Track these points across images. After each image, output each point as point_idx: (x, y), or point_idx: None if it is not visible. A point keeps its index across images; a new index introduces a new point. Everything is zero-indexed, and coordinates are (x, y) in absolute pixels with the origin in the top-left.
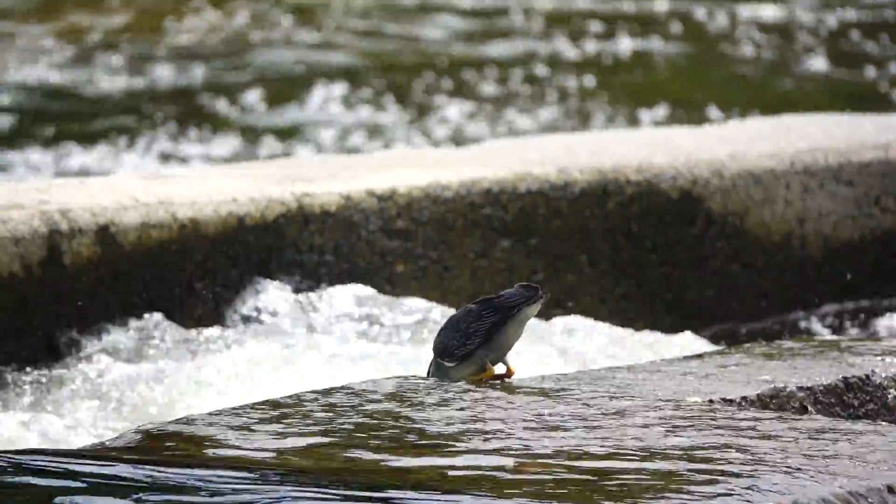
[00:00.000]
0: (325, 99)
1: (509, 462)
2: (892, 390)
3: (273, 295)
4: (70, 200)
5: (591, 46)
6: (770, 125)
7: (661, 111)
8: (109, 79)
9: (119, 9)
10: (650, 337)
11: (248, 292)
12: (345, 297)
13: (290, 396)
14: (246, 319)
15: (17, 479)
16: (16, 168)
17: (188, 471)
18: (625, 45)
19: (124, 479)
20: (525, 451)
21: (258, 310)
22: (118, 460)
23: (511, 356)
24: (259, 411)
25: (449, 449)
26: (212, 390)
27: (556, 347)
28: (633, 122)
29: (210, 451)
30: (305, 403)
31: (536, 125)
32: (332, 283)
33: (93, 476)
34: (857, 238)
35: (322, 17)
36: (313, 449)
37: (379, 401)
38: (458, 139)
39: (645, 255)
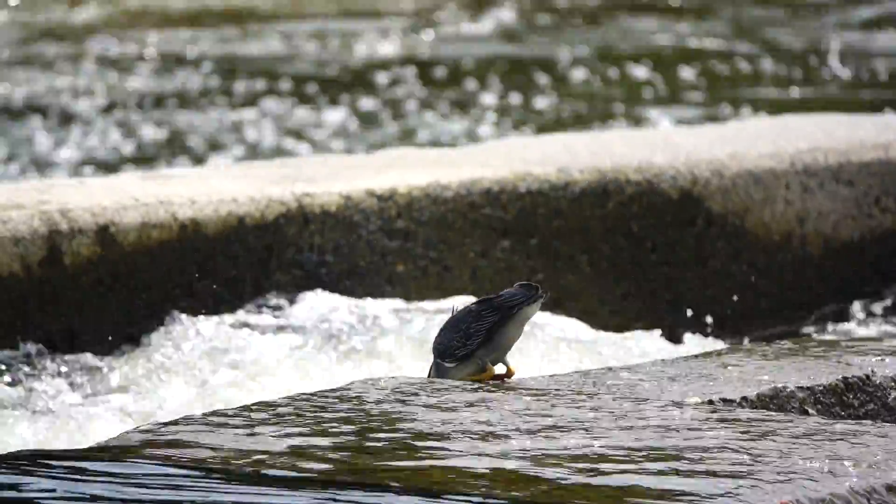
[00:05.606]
0: None
1: (510, 463)
2: (892, 390)
3: (271, 295)
4: (70, 200)
5: None
6: (770, 125)
7: None
8: None
9: None
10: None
11: (248, 292)
12: (343, 297)
13: (288, 397)
14: (245, 319)
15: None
16: None
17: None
18: None
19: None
20: (525, 452)
21: (257, 309)
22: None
23: (510, 356)
24: (257, 412)
25: (448, 450)
26: (211, 391)
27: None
28: None
29: (207, 453)
30: (304, 404)
31: None
32: (331, 283)
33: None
34: (857, 238)
35: None
36: (312, 450)
37: (378, 402)
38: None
39: (645, 255)
